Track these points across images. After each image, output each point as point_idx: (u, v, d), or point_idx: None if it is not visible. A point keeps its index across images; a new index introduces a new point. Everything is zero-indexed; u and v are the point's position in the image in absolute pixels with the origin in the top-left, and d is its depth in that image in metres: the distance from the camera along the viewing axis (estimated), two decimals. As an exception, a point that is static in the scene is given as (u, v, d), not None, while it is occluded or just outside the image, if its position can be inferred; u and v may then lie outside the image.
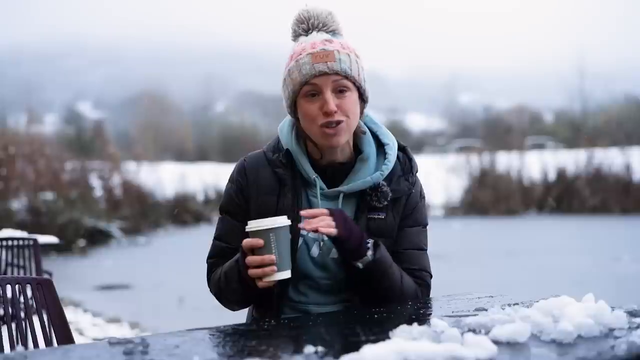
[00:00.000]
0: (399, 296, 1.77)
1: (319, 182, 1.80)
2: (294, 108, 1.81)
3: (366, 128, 1.89)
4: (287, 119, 1.90)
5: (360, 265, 1.71)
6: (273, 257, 1.59)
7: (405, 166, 1.88)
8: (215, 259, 1.88)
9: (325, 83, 1.73)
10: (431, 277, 1.89)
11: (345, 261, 1.75)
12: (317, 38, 1.78)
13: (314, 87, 1.74)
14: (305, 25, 1.82)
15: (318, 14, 1.83)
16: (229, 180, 1.90)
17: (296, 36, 1.84)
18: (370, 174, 1.81)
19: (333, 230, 1.64)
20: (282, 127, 1.90)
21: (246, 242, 1.63)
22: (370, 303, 1.75)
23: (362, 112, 1.84)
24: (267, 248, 1.60)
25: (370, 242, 1.72)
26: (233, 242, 1.81)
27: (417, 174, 1.92)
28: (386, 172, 1.82)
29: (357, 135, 1.86)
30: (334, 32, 1.83)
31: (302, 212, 1.66)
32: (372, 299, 1.76)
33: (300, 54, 1.76)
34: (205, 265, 1.91)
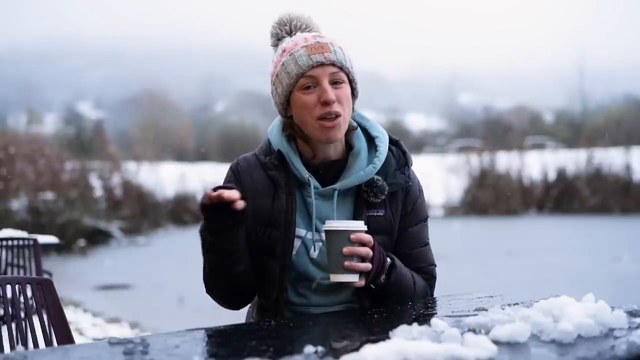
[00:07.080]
0: (411, 298, 1.79)
1: (313, 182, 1.77)
2: (286, 105, 1.78)
3: (355, 124, 1.86)
4: (276, 120, 1.87)
5: (372, 285, 1.73)
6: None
7: (400, 160, 1.85)
8: None
9: (323, 74, 1.71)
10: (436, 266, 1.91)
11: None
12: (306, 34, 1.77)
13: (311, 79, 1.71)
14: (288, 28, 1.81)
15: (299, 16, 1.82)
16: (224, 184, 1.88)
17: (278, 39, 1.83)
18: (362, 168, 1.78)
19: (365, 267, 1.64)
20: (271, 129, 1.87)
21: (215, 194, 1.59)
22: (380, 303, 1.75)
23: (352, 108, 1.82)
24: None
25: (388, 263, 1.72)
26: None
27: (412, 168, 1.89)
28: (379, 165, 1.79)
29: (348, 132, 1.82)
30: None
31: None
32: (383, 301, 1.76)
33: (294, 48, 1.74)
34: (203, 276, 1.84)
